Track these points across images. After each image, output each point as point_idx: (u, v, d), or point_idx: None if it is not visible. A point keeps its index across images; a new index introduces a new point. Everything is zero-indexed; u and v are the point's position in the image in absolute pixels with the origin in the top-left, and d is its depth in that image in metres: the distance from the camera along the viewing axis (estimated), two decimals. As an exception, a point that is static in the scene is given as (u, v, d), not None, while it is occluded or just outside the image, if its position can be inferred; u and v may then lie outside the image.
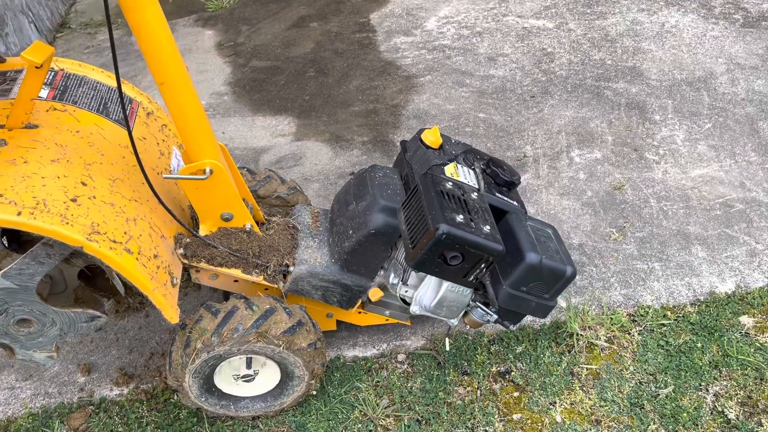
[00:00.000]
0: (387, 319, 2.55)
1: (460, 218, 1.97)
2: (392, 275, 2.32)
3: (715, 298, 2.65)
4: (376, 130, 3.85)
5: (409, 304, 2.31)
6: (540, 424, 2.28)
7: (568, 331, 2.55)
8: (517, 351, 2.52)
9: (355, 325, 2.63)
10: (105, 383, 2.57)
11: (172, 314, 2.00)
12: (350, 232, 2.28)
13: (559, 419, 2.29)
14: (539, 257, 2.07)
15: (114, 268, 1.83)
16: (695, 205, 3.07)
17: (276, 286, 2.32)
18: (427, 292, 2.22)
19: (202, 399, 2.26)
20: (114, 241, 1.84)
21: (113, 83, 2.40)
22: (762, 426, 2.22)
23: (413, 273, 2.25)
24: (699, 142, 3.43)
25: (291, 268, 2.30)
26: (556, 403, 2.34)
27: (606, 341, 2.52)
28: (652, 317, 2.59)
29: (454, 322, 2.29)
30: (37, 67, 1.82)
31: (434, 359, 2.54)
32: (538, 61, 4.27)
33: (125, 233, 1.90)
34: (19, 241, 2.20)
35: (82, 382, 2.58)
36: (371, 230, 2.22)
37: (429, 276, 2.19)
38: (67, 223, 1.75)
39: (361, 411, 2.38)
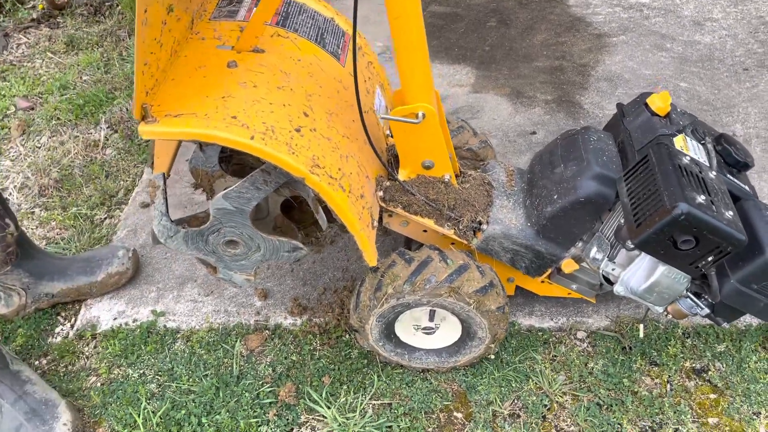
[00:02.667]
0: (569, 293, 2.40)
1: (701, 199, 1.76)
2: (594, 249, 2.15)
3: None
4: (561, 89, 3.60)
5: (610, 283, 2.14)
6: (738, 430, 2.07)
7: (777, 337, 2.29)
8: (718, 350, 2.29)
9: (533, 294, 2.50)
10: (279, 311, 2.63)
11: (372, 256, 1.97)
12: (555, 196, 2.12)
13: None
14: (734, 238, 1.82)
15: (330, 203, 1.81)
16: None
17: (465, 241, 2.23)
18: (638, 273, 2.03)
19: (380, 343, 2.24)
20: (331, 177, 1.81)
21: (329, 14, 2.36)
22: None
23: (623, 251, 2.07)
24: None
25: (484, 226, 2.20)
26: (761, 414, 2.11)
27: (825, 356, 2.23)
28: None
29: (659, 309, 2.10)
30: (276, -10, 1.79)
31: (619, 343, 2.37)
32: (755, 30, 3.79)
33: (339, 170, 1.86)
34: (228, 162, 2.25)
35: (258, 306, 2.66)
36: (580, 197, 2.05)
37: (642, 257, 2.01)
38: (293, 153, 1.74)
39: (535, 383, 2.28)
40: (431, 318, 2.19)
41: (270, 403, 2.29)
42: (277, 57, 2.00)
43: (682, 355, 2.29)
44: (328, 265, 2.80)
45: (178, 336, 2.57)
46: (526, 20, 4.21)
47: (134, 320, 2.64)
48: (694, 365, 2.27)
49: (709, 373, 2.24)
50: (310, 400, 2.29)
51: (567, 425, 2.15)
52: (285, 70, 1.97)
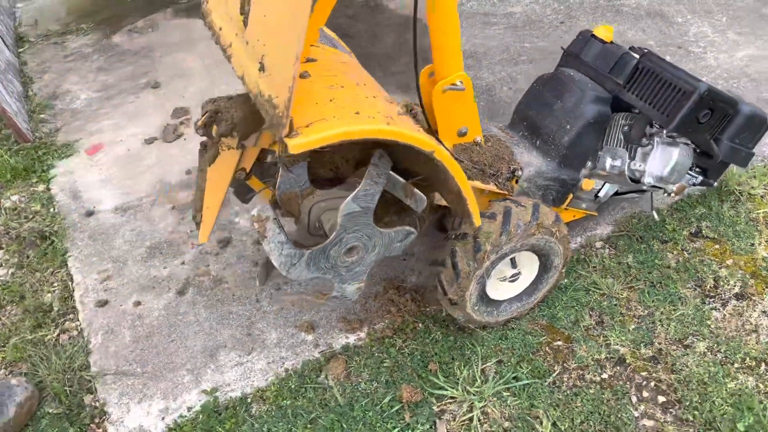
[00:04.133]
0: (574, 215, 2.75)
1: (704, 79, 2.22)
2: (608, 160, 2.51)
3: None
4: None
5: (635, 181, 2.52)
6: (752, 263, 2.61)
7: (728, 190, 2.90)
8: (698, 213, 2.83)
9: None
10: (336, 334, 2.54)
11: (478, 217, 2.08)
12: (567, 126, 2.45)
13: (765, 254, 2.63)
14: (751, 108, 2.38)
15: (453, 173, 1.88)
16: (757, 78, 3.56)
17: (506, 191, 2.44)
18: (658, 162, 2.44)
19: (476, 308, 2.34)
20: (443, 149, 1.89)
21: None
22: None
23: (639, 150, 2.47)
24: (727, 32, 3.94)
25: (519, 172, 2.43)
26: (754, 243, 2.68)
27: (762, 191, 2.90)
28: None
29: (673, 188, 2.54)
30: None
31: (629, 238, 2.78)
32: (549, -6, 4.62)
33: (435, 144, 1.95)
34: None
35: (311, 340, 2.54)
36: (589, 119, 2.41)
37: (656, 148, 2.42)
38: (418, 131, 1.79)
39: (598, 292, 2.57)
40: (514, 265, 2.35)
41: (397, 410, 2.24)
42: (328, 62, 2.01)
43: (678, 227, 2.78)
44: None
45: (250, 401, 2.34)
46: (366, 30, 4.53)
47: (188, 408, 2.34)
48: (690, 230, 2.77)
49: (703, 231, 2.76)
50: (433, 389, 2.29)
51: (641, 310, 2.49)
52: (342, 71, 1.99)
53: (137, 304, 2.75)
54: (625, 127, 2.45)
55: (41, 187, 3.45)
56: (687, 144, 2.43)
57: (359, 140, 1.69)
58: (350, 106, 1.75)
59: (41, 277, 2.95)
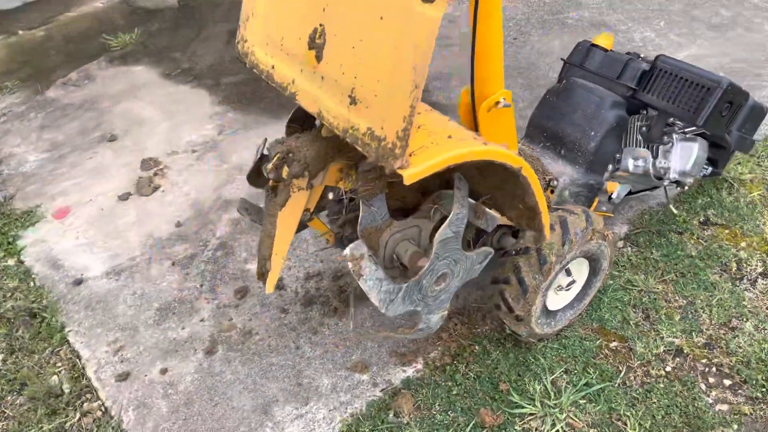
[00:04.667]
0: (593, 217, 2.82)
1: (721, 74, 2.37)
2: (630, 161, 2.60)
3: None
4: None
5: (659, 179, 2.61)
6: (764, 242, 2.78)
7: (722, 178, 3.09)
8: (701, 203, 2.99)
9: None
10: (391, 369, 2.45)
11: (548, 229, 2.08)
12: (592, 133, 2.52)
13: (772, 232, 2.81)
14: (751, 96, 2.54)
15: (534, 187, 1.87)
16: (710, 74, 3.83)
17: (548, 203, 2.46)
18: (678, 158, 2.56)
19: (539, 321, 2.33)
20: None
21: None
22: None
23: (660, 148, 2.58)
24: (669, 35, 4.23)
25: (554, 183, 2.47)
26: (759, 224, 2.86)
27: (750, 176, 3.11)
28: None
29: (691, 180, 2.67)
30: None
31: (647, 234, 2.89)
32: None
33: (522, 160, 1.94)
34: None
35: (367, 379, 2.43)
36: (612, 124, 2.50)
37: (676, 145, 2.54)
38: (506, 150, 1.77)
39: (635, 289, 2.65)
40: (569, 273, 2.38)
41: (482, 436, 2.19)
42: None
43: (688, 219, 2.92)
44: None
45: (322, 454, 2.21)
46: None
47: (258, 474, 2.17)
48: (699, 220, 2.92)
49: (711, 219, 2.92)
50: (511, 408, 2.25)
51: (681, 300, 2.58)
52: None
53: (164, 371, 2.54)
54: (643, 128, 2.56)
55: (12, 261, 3.12)
56: (703, 138, 2.57)
57: (458, 164, 1.66)
58: (441, 131, 1.71)
59: (40, 359, 2.66)
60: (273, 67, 1.89)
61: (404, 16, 1.45)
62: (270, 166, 1.82)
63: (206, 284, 2.89)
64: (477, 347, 2.48)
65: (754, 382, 2.27)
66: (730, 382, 2.29)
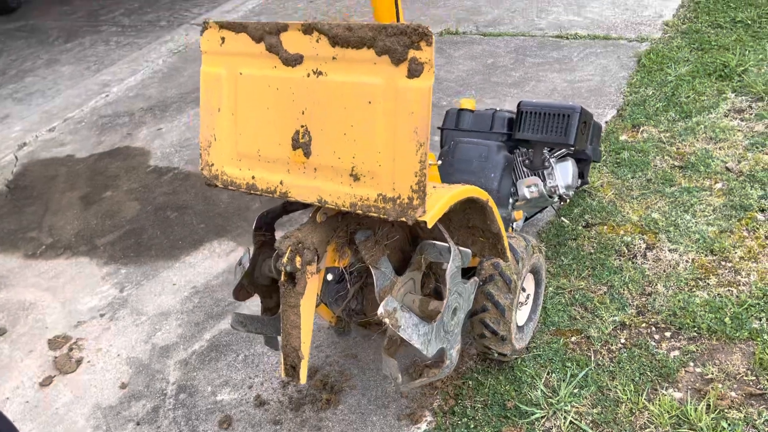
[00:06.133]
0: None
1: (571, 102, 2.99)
2: (526, 190, 3.10)
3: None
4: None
5: (551, 196, 3.13)
6: (634, 226, 3.42)
7: (585, 188, 3.75)
8: (577, 212, 3.59)
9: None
10: (408, 430, 2.59)
11: (509, 253, 2.44)
12: (491, 175, 2.99)
13: (635, 217, 3.47)
14: (592, 116, 3.23)
15: (497, 215, 2.24)
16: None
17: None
18: (561, 176, 3.11)
19: (517, 337, 2.65)
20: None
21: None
22: None
23: (544, 172, 3.11)
24: (484, 100, 5.03)
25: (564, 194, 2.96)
26: (623, 214, 3.52)
27: (595, 179, 3.82)
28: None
29: (571, 193, 3.23)
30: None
31: (551, 247, 3.39)
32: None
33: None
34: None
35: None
36: (504, 164, 3.00)
37: (556, 166, 3.11)
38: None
39: (565, 290, 3.09)
40: (523, 288, 2.75)
41: (516, 450, 2.40)
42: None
43: (574, 226, 3.50)
44: (376, 392, 2.83)
45: None
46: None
47: None
48: (582, 225, 3.51)
49: (590, 222, 3.52)
50: (524, 418, 2.51)
51: (603, 288, 3.08)
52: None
53: None
54: (526, 161, 3.10)
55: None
56: (570, 156, 3.18)
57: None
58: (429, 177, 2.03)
59: None
60: (253, 177, 2.09)
61: (394, 95, 1.77)
62: (285, 259, 1.98)
63: (184, 429, 2.79)
64: (470, 382, 2.72)
65: (687, 326, 2.79)
66: (670, 333, 2.79)
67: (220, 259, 3.86)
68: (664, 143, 4.02)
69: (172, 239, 4.13)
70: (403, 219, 1.80)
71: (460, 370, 2.79)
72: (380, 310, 1.93)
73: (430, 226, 1.82)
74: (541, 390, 2.61)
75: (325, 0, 7.34)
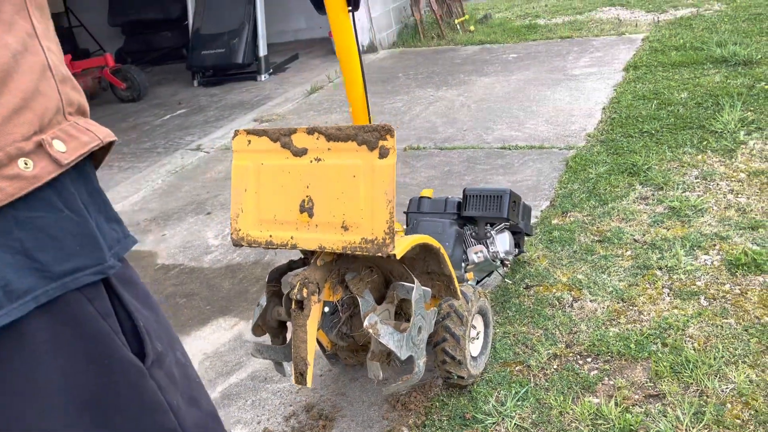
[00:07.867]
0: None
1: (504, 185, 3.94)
2: (474, 256, 3.96)
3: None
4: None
5: (494, 260, 3.99)
6: (563, 284, 4.28)
7: (522, 257, 4.63)
8: (519, 276, 4.45)
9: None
10: (389, 442, 3.25)
11: (460, 294, 3.26)
12: (446, 244, 3.87)
13: (564, 279, 4.34)
14: (521, 198, 4.17)
15: (446, 259, 3.08)
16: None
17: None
18: (500, 244, 4.00)
19: (471, 364, 3.40)
20: (436, 247, 3.11)
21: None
22: None
23: (487, 242, 3.99)
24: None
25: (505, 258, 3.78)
26: (554, 277, 4.38)
27: (533, 252, 4.71)
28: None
29: (511, 258, 4.10)
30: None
31: (498, 305, 4.21)
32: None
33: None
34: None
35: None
36: (455, 236, 3.89)
37: (497, 236, 4.00)
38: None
39: (506, 333, 3.88)
40: (474, 326, 3.54)
41: (474, 445, 3.09)
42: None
43: (517, 287, 4.34)
44: (357, 408, 3.51)
45: None
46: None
47: None
48: (523, 286, 4.35)
49: (528, 284, 4.37)
50: (481, 423, 3.21)
51: (539, 331, 3.88)
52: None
53: None
54: (472, 233, 4.00)
55: None
56: (507, 228, 4.09)
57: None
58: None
59: None
60: (271, 236, 2.92)
61: (371, 170, 2.67)
62: (295, 290, 2.77)
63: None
64: (437, 403, 3.43)
65: (603, 352, 3.58)
66: (591, 358, 3.58)
67: (225, 332, 4.57)
68: (587, 224, 4.98)
69: (183, 320, 4.84)
70: (380, 254, 2.64)
71: (429, 395, 3.50)
72: (366, 323, 2.71)
73: (399, 257, 2.65)
74: (492, 404, 3.34)
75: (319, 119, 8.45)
